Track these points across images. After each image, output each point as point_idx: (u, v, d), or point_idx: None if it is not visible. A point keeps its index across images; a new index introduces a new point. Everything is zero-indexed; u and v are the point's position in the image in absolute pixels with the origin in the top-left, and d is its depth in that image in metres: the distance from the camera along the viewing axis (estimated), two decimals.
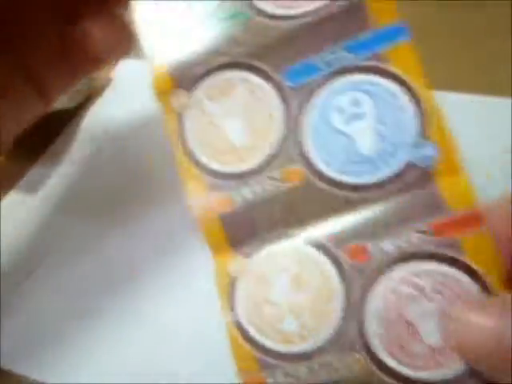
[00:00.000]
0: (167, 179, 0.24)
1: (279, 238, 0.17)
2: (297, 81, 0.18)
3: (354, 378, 0.15)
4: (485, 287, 0.15)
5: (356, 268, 0.16)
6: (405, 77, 0.16)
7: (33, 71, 0.20)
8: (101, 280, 0.23)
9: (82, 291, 0.23)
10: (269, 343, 0.16)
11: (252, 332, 0.16)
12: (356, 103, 0.17)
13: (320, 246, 0.17)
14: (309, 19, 0.18)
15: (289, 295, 0.16)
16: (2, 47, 0.19)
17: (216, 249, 0.18)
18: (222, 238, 0.17)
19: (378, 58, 0.17)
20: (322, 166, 0.17)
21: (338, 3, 0.18)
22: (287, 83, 0.18)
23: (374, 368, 0.15)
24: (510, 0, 0.28)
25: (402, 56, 0.17)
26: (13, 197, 0.27)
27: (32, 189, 0.27)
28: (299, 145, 0.17)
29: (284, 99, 0.18)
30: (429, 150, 0.16)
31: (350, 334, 0.16)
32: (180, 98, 0.18)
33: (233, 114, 0.18)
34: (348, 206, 0.17)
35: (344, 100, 0.17)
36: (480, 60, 0.27)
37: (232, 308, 0.17)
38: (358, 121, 0.17)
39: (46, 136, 0.30)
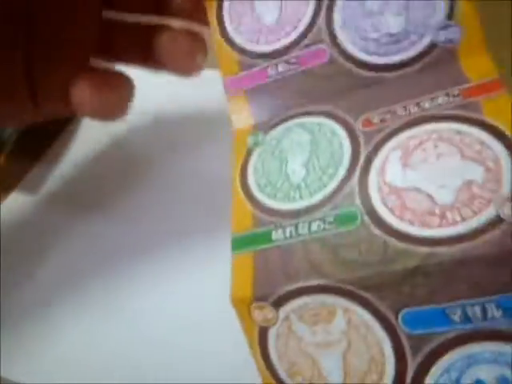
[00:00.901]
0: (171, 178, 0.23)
1: None
2: (418, 329, 0.12)
3: None
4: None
5: None
6: None
7: (36, 79, 0.19)
8: (103, 281, 0.22)
9: (83, 292, 0.22)
10: None
11: None
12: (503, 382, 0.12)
13: None
14: (447, 256, 0.13)
15: None
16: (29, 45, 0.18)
17: None
18: None
19: None
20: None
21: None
22: (404, 328, 0.12)
23: None
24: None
25: None
26: (13, 197, 0.26)
27: (32, 189, 0.26)
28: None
29: (397, 348, 0.13)
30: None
31: None
32: (265, 313, 0.15)
33: (329, 348, 0.14)
34: None
35: (487, 373, 0.12)
36: None
37: None
38: None
39: (46, 136, 0.29)
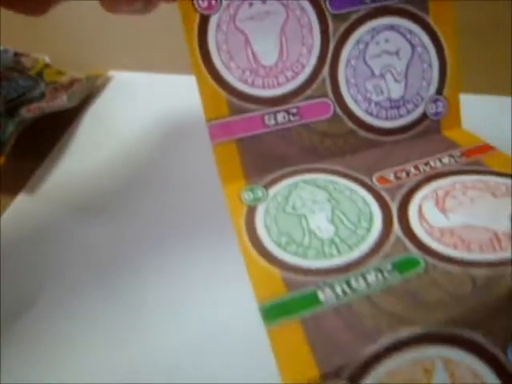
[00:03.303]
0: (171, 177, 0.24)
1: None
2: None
3: None
4: None
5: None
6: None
7: None
8: (105, 284, 0.21)
9: (82, 293, 0.21)
10: None
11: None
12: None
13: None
14: None
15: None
16: None
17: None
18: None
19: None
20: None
21: None
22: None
23: None
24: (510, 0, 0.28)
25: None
26: (15, 198, 0.26)
27: (32, 189, 0.26)
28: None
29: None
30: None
31: None
32: None
33: None
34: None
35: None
36: (481, 60, 0.27)
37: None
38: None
39: (46, 137, 0.29)
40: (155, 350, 0.18)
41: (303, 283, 0.13)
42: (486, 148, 0.17)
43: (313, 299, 0.13)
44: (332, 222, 0.15)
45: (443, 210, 0.14)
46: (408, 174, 0.16)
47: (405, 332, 0.11)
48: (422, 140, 0.17)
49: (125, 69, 0.33)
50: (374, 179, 0.16)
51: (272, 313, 0.12)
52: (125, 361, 0.18)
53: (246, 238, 0.15)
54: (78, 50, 0.36)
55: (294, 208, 0.15)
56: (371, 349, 0.11)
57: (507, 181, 0.15)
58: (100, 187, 0.26)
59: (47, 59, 0.32)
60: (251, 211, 0.16)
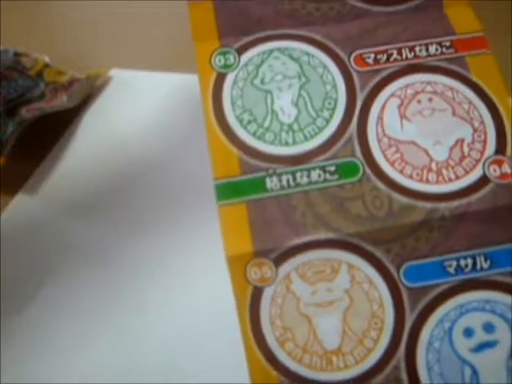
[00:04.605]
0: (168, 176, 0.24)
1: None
2: (417, 282, 0.14)
3: None
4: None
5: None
6: None
7: None
8: (104, 283, 0.22)
9: (81, 292, 0.22)
10: None
11: None
12: (489, 328, 0.14)
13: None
14: (447, 211, 0.14)
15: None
16: None
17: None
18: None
19: None
20: None
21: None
22: (404, 282, 0.14)
23: None
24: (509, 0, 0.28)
25: None
26: (14, 198, 0.27)
27: (32, 189, 0.26)
28: (410, 366, 0.14)
29: (397, 303, 0.14)
30: None
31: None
32: (262, 270, 0.14)
33: (329, 308, 0.14)
34: None
35: (475, 320, 0.14)
36: None
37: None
38: (487, 350, 0.14)
39: (46, 137, 0.30)
40: (155, 349, 0.19)
41: (256, 168, 0.15)
42: (479, 43, 0.16)
43: (260, 185, 0.15)
44: (296, 105, 0.15)
45: (402, 116, 0.15)
46: (389, 58, 0.15)
47: (323, 235, 0.14)
48: (418, 16, 0.16)
49: (125, 68, 0.33)
50: (352, 58, 0.15)
51: (224, 192, 0.15)
52: (124, 359, 0.19)
53: (211, 110, 0.15)
54: (77, 49, 0.35)
55: (262, 82, 0.15)
56: (296, 241, 0.14)
57: (474, 99, 0.15)
58: (99, 187, 0.26)
59: (47, 59, 0.31)
60: (220, 79, 0.15)
